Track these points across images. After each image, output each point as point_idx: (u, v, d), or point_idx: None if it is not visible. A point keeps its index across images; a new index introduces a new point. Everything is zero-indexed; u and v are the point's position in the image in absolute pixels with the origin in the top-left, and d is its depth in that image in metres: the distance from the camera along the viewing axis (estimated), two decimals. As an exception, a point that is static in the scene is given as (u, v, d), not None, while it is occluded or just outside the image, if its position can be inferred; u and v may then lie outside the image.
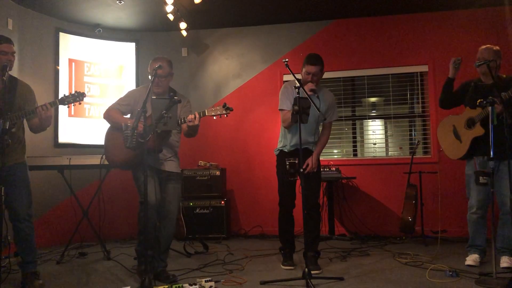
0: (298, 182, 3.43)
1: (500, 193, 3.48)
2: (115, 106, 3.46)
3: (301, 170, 3.26)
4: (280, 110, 3.74)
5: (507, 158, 3.30)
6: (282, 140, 3.83)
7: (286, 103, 3.67)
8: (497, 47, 3.64)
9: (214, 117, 3.23)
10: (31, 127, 3.30)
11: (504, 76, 3.65)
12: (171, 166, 3.45)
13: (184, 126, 3.33)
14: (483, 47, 3.66)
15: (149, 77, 3.30)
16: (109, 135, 3.44)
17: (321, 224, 5.32)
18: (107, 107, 3.50)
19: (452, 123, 3.82)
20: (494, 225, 3.10)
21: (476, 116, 3.58)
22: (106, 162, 3.80)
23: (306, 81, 3.60)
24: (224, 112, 3.19)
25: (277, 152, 3.87)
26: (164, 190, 3.41)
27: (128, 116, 3.51)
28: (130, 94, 3.54)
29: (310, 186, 3.62)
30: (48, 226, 5.08)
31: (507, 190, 3.38)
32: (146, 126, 3.01)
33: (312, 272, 3.14)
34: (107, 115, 3.44)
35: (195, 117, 3.14)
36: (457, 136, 3.76)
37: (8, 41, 3.18)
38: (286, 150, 3.77)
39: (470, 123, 3.65)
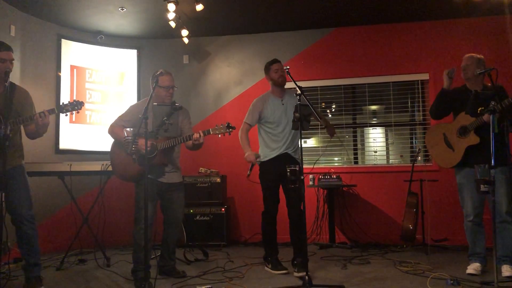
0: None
1: (495, 201, 3.45)
2: (118, 122, 3.64)
3: (302, 177, 3.27)
4: (244, 122, 4.03)
5: (502, 165, 3.31)
6: (264, 149, 4.03)
7: (249, 118, 4.00)
8: (481, 56, 3.68)
9: (219, 135, 3.47)
10: (28, 133, 3.32)
11: (489, 84, 3.66)
12: (174, 177, 3.69)
13: (189, 142, 3.51)
14: (467, 55, 3.72)
15: (154, 88, 3.48)
16: (115, 151, 3.61)
17: (321, 232, 5.40)
18: (109, 117, 3.74)
19: (442, 131, 3.79)
20: (494, 233, 3.08)
21: (470, 125, 3.56)
22: (109, 169, 3.99)
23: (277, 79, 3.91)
24: (227, 130, 3.43)
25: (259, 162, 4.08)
26: (169, 199, 3.67)
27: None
28: (131, 110, 3.71)
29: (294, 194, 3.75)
30: (48, 232, 5.07)
31: (502, 198, 3.38)
32: (152, 142, 3.06)
33: (297, 275, 3.55)
34: (112, 132, 3.64)
35: (200, 136, 3.39)
36: (448, 144, 3.73)
37: (8, 48, 3.19)
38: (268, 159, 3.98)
39: (463, 131, 3.63)
